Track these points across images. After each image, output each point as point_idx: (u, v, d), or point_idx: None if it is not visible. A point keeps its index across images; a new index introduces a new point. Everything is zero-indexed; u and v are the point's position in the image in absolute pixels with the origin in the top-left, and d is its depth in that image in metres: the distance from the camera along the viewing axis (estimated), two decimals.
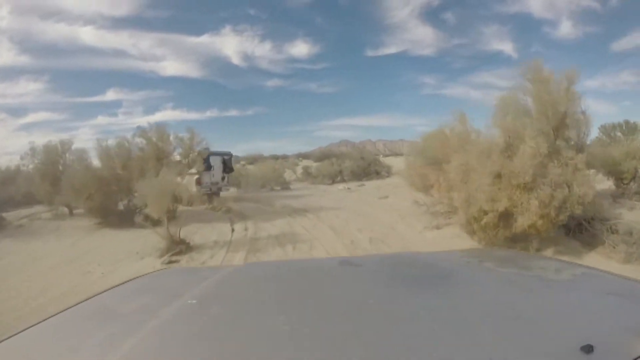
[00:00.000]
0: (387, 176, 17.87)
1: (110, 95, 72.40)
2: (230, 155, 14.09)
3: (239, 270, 1.29)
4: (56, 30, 53.98)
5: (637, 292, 0.93)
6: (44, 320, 0.87)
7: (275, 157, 21.46)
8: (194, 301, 0.91)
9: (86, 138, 67.48)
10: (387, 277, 1.13)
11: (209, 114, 72.85)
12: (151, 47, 63.05)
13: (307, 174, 19.95)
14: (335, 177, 17.53)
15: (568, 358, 0.59)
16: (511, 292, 0.92)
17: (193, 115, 70.61)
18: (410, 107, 68.68)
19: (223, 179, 13.26)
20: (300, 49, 77.99)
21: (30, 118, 68.78)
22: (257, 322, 0.80)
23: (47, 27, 56.41)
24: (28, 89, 61.69)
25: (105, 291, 1.09)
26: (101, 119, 66.62)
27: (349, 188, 14.45)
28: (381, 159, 22.35)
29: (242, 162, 22.15)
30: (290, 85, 65.50)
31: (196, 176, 12.50)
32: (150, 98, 67.80)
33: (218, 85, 64.13)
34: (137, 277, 1.29)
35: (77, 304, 0.98)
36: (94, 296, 1.05)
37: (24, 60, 62.17)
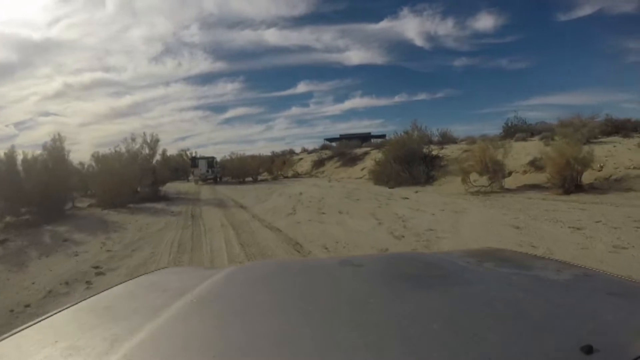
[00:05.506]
0: None
1: (301, 87, 73.86)
2: (213, 158, 27.35)
3: (239, 270, 1.28)
4: (243, 37, 58.41)
5: (637, 292, 0.93)
6: (43, 319, 0.87)
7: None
8: (194, 301, 0.91)
9: (282, 127, 69.53)
10: (387, 277, 1.13)
11: (398, 99, 68.74)
12: (333, 39, 61.83)
13: None
14: None
15: (568, 358, 0.59)
16: (511, 292, 0.92)
17: (382, 102, 68.97)
18: (613, 79, 54.75)
19: (207, 171, 25.72)
20: (485, 22, 67.04)
21: (230, 113, 77.71)
22: (257, 322, 0.80)
23: (234, 35, 61.38)
24: (226, 89, 68.13)
25: (105, 291, 1.09)
26: (295, 110, 70.17)
27: None
28: None
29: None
30: (479, 63, 59.05)
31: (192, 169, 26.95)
32: (339, 87, 68.88)
33: (404, 69, 61.13)
34: (137, 277, 1.28)
35: (76, 304, 0.98)
36: (93, 296, 1.04)
37: (219, 66, 69.23)
